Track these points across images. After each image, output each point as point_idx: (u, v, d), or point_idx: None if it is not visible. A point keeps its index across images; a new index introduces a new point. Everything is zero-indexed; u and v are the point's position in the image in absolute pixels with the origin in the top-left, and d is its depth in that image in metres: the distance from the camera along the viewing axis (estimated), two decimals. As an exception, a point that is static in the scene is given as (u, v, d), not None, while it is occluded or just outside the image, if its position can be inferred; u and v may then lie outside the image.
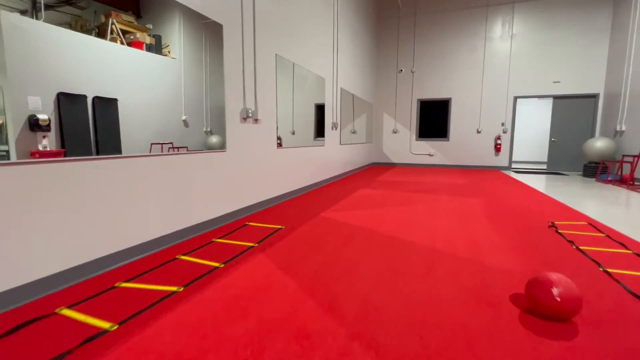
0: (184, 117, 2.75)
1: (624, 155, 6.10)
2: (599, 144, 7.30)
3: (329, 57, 6.02)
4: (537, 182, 6.55)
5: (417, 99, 9.82)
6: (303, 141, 5.09)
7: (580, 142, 8.58)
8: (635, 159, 6.15)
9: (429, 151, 9.86)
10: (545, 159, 11.69)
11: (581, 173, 8.26)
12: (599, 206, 4.19)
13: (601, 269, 2.13)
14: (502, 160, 9.20)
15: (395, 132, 10.14)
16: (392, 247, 2.59)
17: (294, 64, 4.78)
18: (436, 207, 4.10)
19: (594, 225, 3.21)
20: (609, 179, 6.84)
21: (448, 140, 9.63)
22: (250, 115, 3.53)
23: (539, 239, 2.80)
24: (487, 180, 6.82)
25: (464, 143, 9.49)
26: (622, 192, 5.31)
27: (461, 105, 9.40)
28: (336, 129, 6.59)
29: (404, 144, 10.12)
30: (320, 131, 5.80)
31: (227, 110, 3.22)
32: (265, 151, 3.96)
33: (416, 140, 9.96)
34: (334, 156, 6.60)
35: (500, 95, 9.02)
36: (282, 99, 4.44)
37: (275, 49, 4.13)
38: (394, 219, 3.46)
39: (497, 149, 9.15)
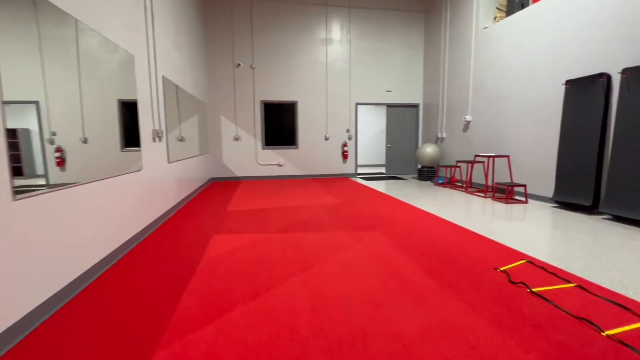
0: None
1: (457, 161, 6.66)
2: (429, 150, 7.98)
3: (139, 22, 3.63)
4: (393, 191, 6.35)
5: (261, 101, 8.36)
6: (99, 162, 2.63)
7: (409, 147, 9.39)
8: (469, 165, 6.85)
9: (278, 161, 8.62)
10: (379, 161, 12.73)
11: (415, 176, 9.01)
12: (492, 224, 3.91)
13: None
14: (349, 167, 9.02)
15: (237, 139, 8.34)
16: None
17: (76, 21, 2.32)
18: (349, 265, 2.70)
19: (543, 267, 2.59)
20: (441, 182, 7.51)
21: (297, 148, 8.67)
22: None
23: (559, 331, 1.80)
24: (351, 193, 6.12)
25: (314, 151, 8.77)
26: (475, 199, 5.58)
27: (308, 110, 8.62)
28: (160, 139, 4.23)
29: (248, 154, 8.46)
30: (130, 142, 3.38)
31: None
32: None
33: (263, 148, 8.51)
34: (161, 183, 4.23)
35: (343, 100, 8.77)
36: (57, 85, 1.94)
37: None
38: (318, 344, 1.79)
39: (345, 156, 8.90)
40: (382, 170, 10.85)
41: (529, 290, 2.18)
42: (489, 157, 5.66)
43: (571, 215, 4.33)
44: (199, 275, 2.50)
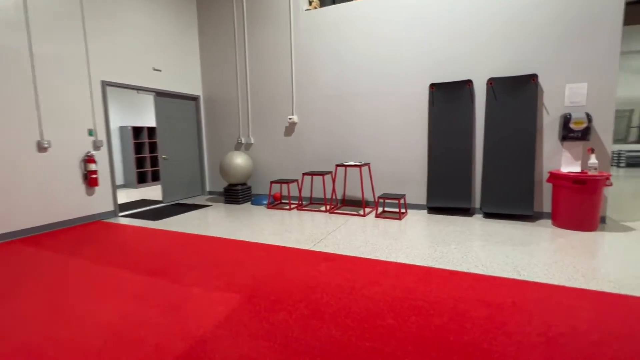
0: None
1: (303, 174, 5.12)
2: (239, 161, 5.77)
3: None
4: (247, 232, 3.85)
5: None
6: None
7: (191, 158, 6.49)
8: (323, 177, 5.41)
9: None
10: (118, 181, 8.05)
11: (213, 197, 6.30)
12: (508, 263, 2.91)
13: None
14: (101, 200, 4.84)
15: None
16: None
17: None
18: None
19: None
20: (273, 203, 5.67)
21: (-46, 175, 3.42)
22: None
23: None
24: (200, 263, 2.98)
25: (9, 177, 3.85)
26: (369, 223, 4.36)
27: (-19, 81, 3.59)
28: None
29: None
30: None
31: None
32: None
33: None
34: None
35: (76, 73, 4.46)
36: None
37: None
38: None
39: (91, 180, 4.64)
40: (133, 192, 6.94)
41: None
42: (360, 166, 4.66)
43: (467, 220, 4.26)
44: None
